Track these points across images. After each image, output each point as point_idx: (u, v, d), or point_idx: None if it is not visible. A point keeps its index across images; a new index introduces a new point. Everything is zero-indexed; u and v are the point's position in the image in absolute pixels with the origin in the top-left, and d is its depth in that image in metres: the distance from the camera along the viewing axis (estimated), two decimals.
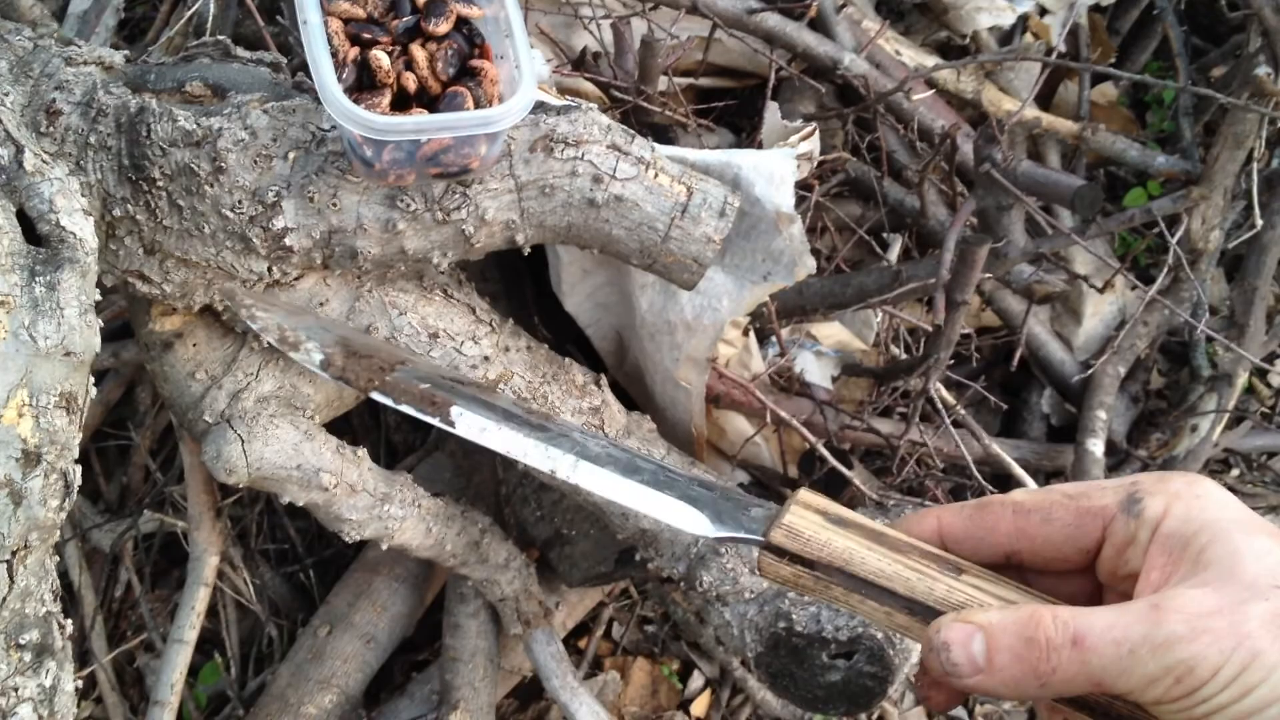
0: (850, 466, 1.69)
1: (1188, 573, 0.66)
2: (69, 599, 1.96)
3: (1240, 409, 2.10)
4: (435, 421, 1.07)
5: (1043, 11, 2.21)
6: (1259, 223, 1.96)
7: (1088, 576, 0.76)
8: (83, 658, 1.94)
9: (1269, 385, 2.34)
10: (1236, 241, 2.04)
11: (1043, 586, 0.76)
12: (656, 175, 1.23)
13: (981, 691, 0.69)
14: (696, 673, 2.06)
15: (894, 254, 2.03)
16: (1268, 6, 1.87)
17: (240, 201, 1.15)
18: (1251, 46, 1.95)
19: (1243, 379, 2.04)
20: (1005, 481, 1.86)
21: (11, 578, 0.96)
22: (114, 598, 2.08)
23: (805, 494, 0.83)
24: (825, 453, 1.65)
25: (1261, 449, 2.25)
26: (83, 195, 1.12)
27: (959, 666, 0.69)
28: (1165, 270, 1.93)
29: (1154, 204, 1.94)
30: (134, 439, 2.08)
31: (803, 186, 1.79)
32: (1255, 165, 1.94)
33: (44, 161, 1.08)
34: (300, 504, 1.32)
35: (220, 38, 1.28)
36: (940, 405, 1.73)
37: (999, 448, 1.81)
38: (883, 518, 1.58)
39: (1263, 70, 1.84)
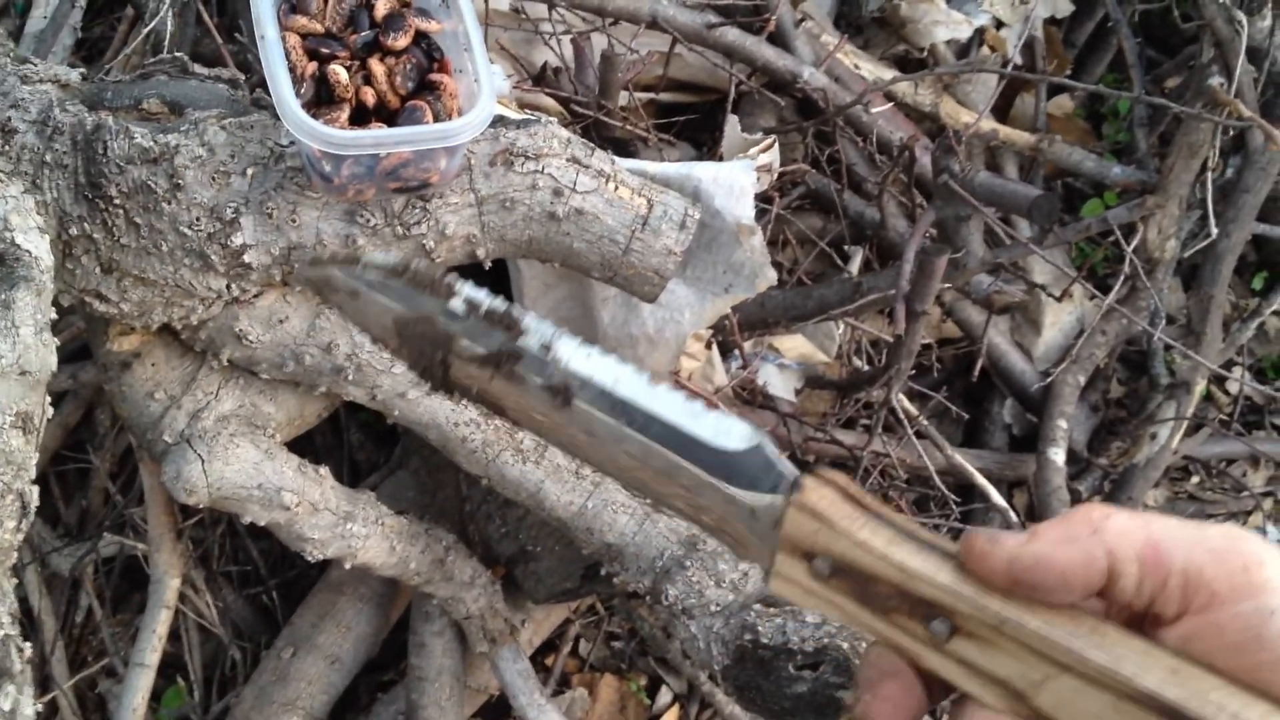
0: None
1: None
2: (29, 625, 1.93)
3: (1199, 416, 2.13)
4: None
5: (999, 24, 2.23)
6: (1214, 231, 1.97)
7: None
8: (44, 683, 1.91)
9: (1226, 392, 2.36)
10: (1192, 250, 2.05)
11: None
12: (616, 188, 1.23)
13: (1020, 567, 0.56)
14: (664, 688, 2.05)
15: (855, 266, 2.04)
16: (1220, 18, 1.89)
17: (198, 219, 1.14)
18: (1204, 57, 1.98)
19: (1201, 386, 2.06)
20: (968, 491, 1.87)
21: None
22: (74, 622, 2.05)
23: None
24: None
25: (1220, 456, 2.28)
26: (39, 214, 1.10)
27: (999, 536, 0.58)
28: (1122, 279, 1.94)
29: (1110, 213, 1.96)
30: (93, 462, 2.05)
31: (763, 199, 1.79)
32: (1210, 174, 1.96)
33: None
34: (262, 524, 1.31)
35: (178, 55, 1.27)
36: (903, 416, 1.74)
37: (961, 458, 1.82)
38: None
39: (1216, 80, 1.87)
